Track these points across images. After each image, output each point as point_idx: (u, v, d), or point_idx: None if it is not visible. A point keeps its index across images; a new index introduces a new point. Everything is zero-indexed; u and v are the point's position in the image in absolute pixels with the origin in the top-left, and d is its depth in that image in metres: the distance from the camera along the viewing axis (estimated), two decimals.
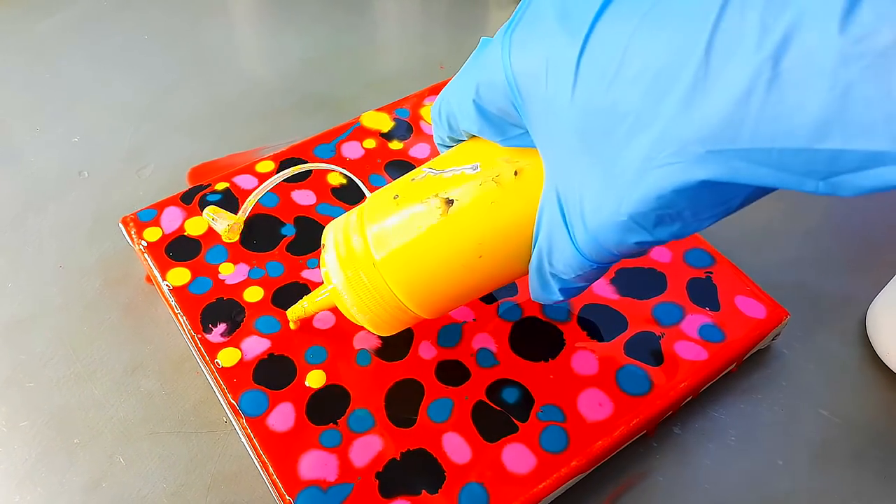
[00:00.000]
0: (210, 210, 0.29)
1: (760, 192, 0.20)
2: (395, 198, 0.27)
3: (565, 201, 0.22)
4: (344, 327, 0.33)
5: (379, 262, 0.26)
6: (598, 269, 0.24)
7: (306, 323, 0.33)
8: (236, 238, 0.29)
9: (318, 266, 0.28)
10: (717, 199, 0.19)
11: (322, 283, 0.32)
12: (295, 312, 0.32)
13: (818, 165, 0.16)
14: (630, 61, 0.19)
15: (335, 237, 0.28)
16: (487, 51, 0.24)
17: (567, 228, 0.23)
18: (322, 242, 0.28)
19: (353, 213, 0.28)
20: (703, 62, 0.17)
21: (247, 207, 0.30)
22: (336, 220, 0.29)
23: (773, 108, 0.16)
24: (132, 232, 0.36)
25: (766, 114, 0.16)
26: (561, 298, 0.26)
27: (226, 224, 0.29)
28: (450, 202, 0.25)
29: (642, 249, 0.22)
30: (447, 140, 0.27)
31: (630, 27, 0.19)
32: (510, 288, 0.34)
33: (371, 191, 0.38)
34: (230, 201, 0.37)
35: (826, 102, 0.15)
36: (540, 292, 0.26)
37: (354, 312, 0.28)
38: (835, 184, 0.17)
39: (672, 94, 0.18)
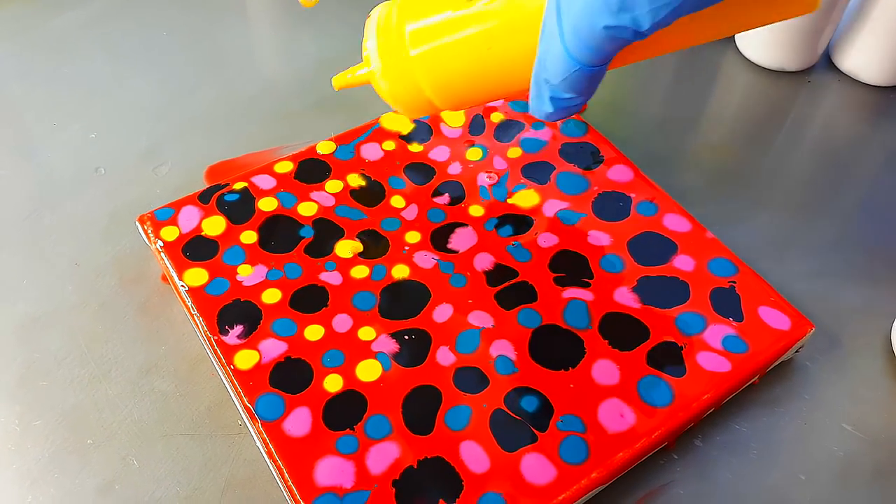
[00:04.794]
0: None
1: None
2: None
3: (561, 2, 0.24)
4: (361, 331, 0.32)
5: (413, 58, 0.30)
6: (583, 76, 0.25)
7: (325, 325, 0.32)
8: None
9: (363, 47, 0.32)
10: None
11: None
12: (339, 81, 0.34)
13: None
14: None
15: (377, 24, 0.31)
16: None
17: (560, 27, 0.24)
18: (366, 26, 0.31)
19: (395, 5, 0.31)
20: None
21: None
22: (380, 7, 0.31)
23: None
24: (149, 231, 0.36)
25: None
26: (551, 110, 0.27)
27: None
28: None
29: (614, 40, 0.23)
30: None
31: None
32: (530, 293, 0.34)
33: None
34: (248, 202, 0.37)
35: None
36: (535, 102, 0.28)
37: (386, 92, 0.31)
38: None
39: None
